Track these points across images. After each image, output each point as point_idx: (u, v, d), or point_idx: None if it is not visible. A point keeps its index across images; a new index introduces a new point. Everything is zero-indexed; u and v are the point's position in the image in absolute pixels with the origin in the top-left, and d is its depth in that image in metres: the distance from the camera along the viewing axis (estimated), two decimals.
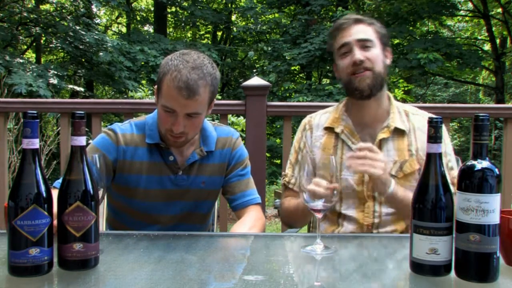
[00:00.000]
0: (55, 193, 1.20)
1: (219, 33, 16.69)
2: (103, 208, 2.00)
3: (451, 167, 1.87)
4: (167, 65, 1.67)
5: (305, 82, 11.87)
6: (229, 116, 5.22)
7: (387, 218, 1.84)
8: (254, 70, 14.03)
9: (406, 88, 14.68)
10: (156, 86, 1.74)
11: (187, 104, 1.64)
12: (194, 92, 1.62)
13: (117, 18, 17.51)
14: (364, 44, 1.83)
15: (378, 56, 1.84)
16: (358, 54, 1.82)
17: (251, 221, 1.79)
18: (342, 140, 1.90)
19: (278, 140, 11.78)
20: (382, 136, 1.86)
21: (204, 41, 16.11)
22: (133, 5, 16.04)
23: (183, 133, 1.69)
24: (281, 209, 2.03)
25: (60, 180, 1.54)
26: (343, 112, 1.95)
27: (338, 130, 1.91)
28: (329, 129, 1.94)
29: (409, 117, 1.92)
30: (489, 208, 1.11)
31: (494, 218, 1.12)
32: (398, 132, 1.87)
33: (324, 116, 2.00)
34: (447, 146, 1.89)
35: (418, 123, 1.90)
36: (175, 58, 1.68)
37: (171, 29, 16.88)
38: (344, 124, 1.92)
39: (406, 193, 1.72)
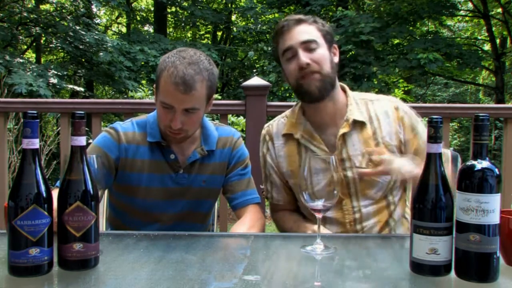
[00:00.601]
0: (56, 194, 1.20)
1: (219, 33, 16.68)
2: (103, 207, 2.01)
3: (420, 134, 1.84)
4: (164, 62, 1.69)
5: None
6: (229, 116, 5.21)
7: (367, 210, 1.84)
8: (254, 70, 14.01)
9: (406, 88, 14.68)
10: (155, 85, 1.75)
11: (184, 99, 1.64)
12: (190, 87, 1.63)
13: (117, 18, 17.50)
14: (308, 46, 1.75)
15: (324, 56, 1.77)
16: (303, 57, 1.74)
17: (250, 221, 1.80)
18: (304, 146, 1.86)
19: None
20: (343, 131, 1.81)
21: (204, 41, 16.10)
22: (133, 5, 16.04)
23: (182, 129, 1.70)
24: (276, 224, 2.02)
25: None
26: (300, 116, 1.89)
27: (297, 136, 1.86)
28: (289, 136, 1.89)
29: (368, 105, 1.86)
30: (489, 208, 1.11)
31: (494, 218, 1.12)
32: (359, 124, 1.82)
33: (282, 122, 1.96)
34: (418, 123, 1.86)
35: (380, 108, 1.85)
36: (172, 55, 1.70)
37: (171, 29, 16.88)
38: (302, 128, 1.87)
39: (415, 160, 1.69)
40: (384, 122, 1.84)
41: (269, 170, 1.95)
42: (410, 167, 1.67)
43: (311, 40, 1.76)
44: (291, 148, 1.89)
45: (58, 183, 1.65)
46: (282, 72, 1.89)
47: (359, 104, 1.87)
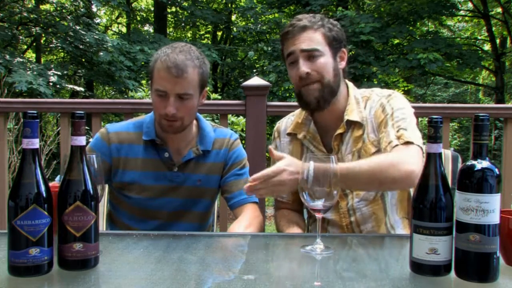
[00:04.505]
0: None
1: (219, 33, 16.68)
2: (103, 205, 2.02)
3: (398, 126, 1.71)
4: (156, 55, 1.79)
5: None
6: (229, 116, 5.21)
7: (362, 213, 1.82)
8: (254, 70, 14.02)
9: (406, 88, 14.67)
10: (150, 81, 1.81)
11: (177, 82, 1.70)
12: (182, 70, 1.70)
13: (117, 18, 17.50)
14: (310, 54, 1.74)
15: (326, 65, 1.75)
16: (303, 66, 1.74)
17: (247, 219, 1.80)
18: (306, 146, 1.89)
19: None
20: (339, 131, 1.81)
21: (204, 41, 16.09)
22: (133, 5, 16.03)
23: (177, 116, 1.73)
24: (275, 221, 2.02)
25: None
26: (307, 116, 1.91)
27: (300, 136, 1.89)
28: (293, 135, 1.92)
29: (367, 102, 1.83)
30: (489, 208, 1.11)
31: (494, 218, 1.12)
32: (353, 124, 1.80)
33: (290, 120, 1.98)
34: (393, 110, 1.74)
35: (370, 104, 1.82)
36: (163, 48, 1.79)
37: (171, 29, 16.87)
38: (306, 129, 1.89)
39: (347, 165, 1.61)
40: (370, 119, 1.81)
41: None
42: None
43: (312, 49, 1.74)
44: (295, 147, 1.91)
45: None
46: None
47: (360, 102, 1.84)
